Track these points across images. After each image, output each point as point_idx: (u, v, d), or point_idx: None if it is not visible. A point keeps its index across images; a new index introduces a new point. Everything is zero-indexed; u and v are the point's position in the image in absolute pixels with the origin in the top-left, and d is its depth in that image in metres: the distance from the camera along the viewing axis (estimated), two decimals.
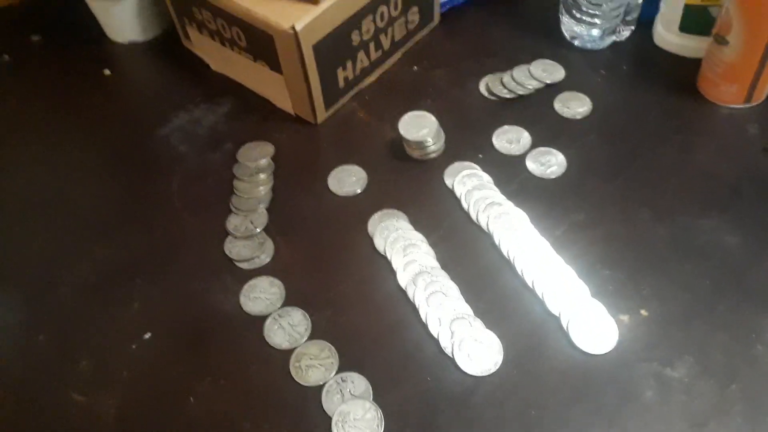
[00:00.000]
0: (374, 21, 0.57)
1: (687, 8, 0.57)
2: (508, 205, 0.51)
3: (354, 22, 0.55)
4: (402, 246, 0.49)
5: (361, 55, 0.58)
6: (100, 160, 0.58)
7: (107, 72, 0.65)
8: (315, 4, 0.51)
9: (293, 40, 0.51)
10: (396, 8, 0.59)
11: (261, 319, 0.46)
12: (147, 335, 0.46)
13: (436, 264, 0.48)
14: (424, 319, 0.45)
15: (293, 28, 0.50)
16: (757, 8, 0.49)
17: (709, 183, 0.51)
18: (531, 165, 0.54)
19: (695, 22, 0.57)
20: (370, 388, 0.43)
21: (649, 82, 0.58)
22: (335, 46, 0.55)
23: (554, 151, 0.54)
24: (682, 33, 0.59)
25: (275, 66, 0.56)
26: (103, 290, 0.49)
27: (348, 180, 0.54)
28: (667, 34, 0.60)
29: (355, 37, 0.56)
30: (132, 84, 0.65)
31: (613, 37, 0.61)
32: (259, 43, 0.54)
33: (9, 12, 0.72)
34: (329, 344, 0.45)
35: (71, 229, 0.53)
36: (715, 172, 0.51)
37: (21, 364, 0.46)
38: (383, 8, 0.57)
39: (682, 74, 0.58)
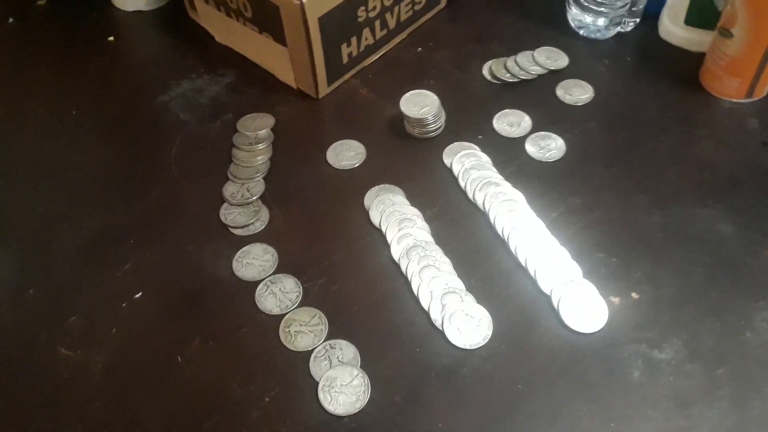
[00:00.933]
0: None
1: (693, 1, 0.57)
2: (506, 186, 0.51)
3: None
4: (397, 220, 0.49)
5: (366, 32, 0.58)
6: (101, 124, 0.58)
7: (111, 39, 0.65)
8: None
9: (299, 12, 0.51)
10: None
11: (253, 285, 0.46)
12: (138, 295, 0.46)
13: (431, 239, 0.48)
14: (415, 292, 0.45)
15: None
16: (763, 2, 0.49)
17: (707, 173, 0.51)
18: (530, 148, 0.54)
19: (701, 15, 0.57)
20: (359, 355, 0.43)
21: (651, 74, 0.58)
22: (341, 21, 0.55)
23: (554, 135, 0.54)
24: (687, 26, 0.59)
25: (280, 38, 0.56)
26: (96, 250, 0.49)
27: (346, 154, 0.54)
28: (673, 27, 0.60)
29: (361, 14, 0.56)
30: (135, 52, 0.65)
31: (618, 28, 0.61)
32: (266, 14, 0.54)
33: None
34: (319, 311, 0.45)
35: (69, 190, 0.53)
36: (713, 163, 0.52)
37: (10, 317, 0.46)
38: None
39: (685, 67, 0.58)
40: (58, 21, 0.68)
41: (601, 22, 0.61)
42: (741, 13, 0.51)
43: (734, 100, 0.56)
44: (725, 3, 0.52)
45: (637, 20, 0.62)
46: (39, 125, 0.58)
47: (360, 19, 0.56)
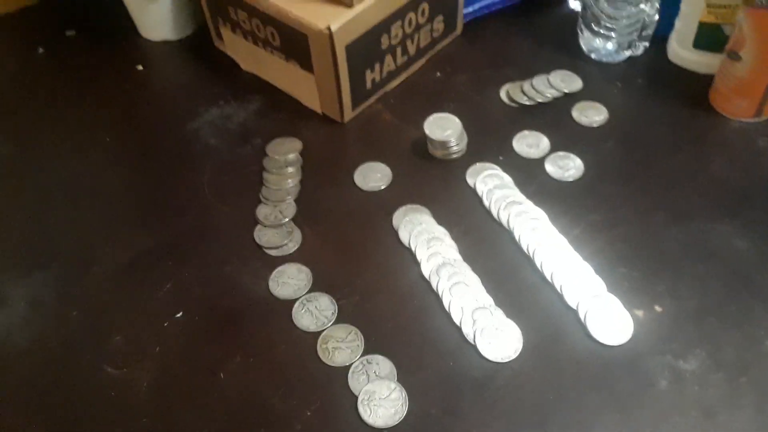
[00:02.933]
0: (402, 27, 0.60)
1: (701, 26, 0.59)
2: (528, 204, 0.53)
3: (384, 26, 0.57)
4: (426, 239, 0.51)
5: (388, 58, 0.61)
6: (134, 150, 0.60)
7: (140, 67, 0.68)
8: (349, 6, 0.54)
9: (328, 40, 0.53)
10: (423, 16, 0.61)
11: (289, 303, 0.48)
12: (179, 314, 0.48)
13: (459, 256, 0.50)
14: (447, 308, 0.47)
15: (329, 28, 0.53)
16: None
17: (721, 190, 0.53)
18: (550, 168, 0.56)
19: (709, 39, 0.60)
20: (395, 369, 0.44)
21: (663, 95, 0.61)
22: (366, 48, 0.57)
23: (572, 155, 0.56)
24: (695, 49, 0.61)
25: (307, 65, 0.58)
26: (135, 271, 0.51)
27: (373, 176, 0.56)
28: (681, 50, 0.62)
29: (384, 41, 0.59)
30: (164, 80, 0.67)
31: (629, 52, 0.64)
32: (293, 42, 0.57)
33: (45, 6, 0.75)
34: (355, 328, 0.46)
35: (105, 215, 0.55)
36: (726, 181, 0.54)
37: (55, 338, 0.47)
38: (411, 15, 0.60)
39: (695, 88, 0.61)
40: (88, 51, 0.70)
41: (611, 46, 0.63)
42: (749, 36, 0.53)
43: (743, 120, 0.58)
44: (733, 27, 0.55)
45: (647, 44, 0.64)
46: (74, 152, 0.60)
47: (383, 46, 0.59)
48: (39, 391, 0.45)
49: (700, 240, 0.50)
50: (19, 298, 0.49)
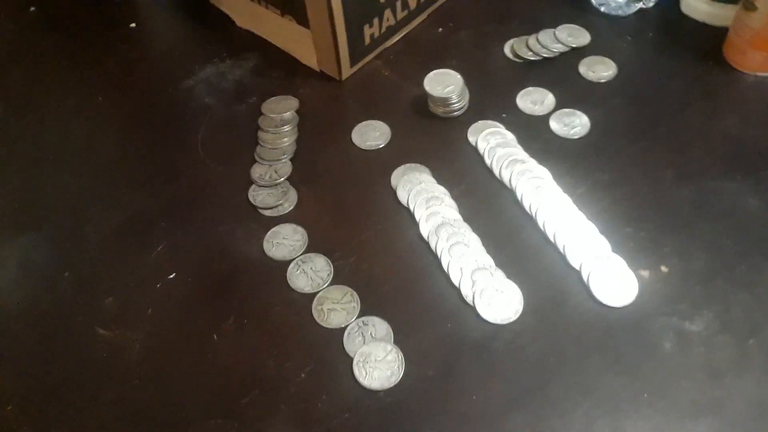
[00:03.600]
0: None
1: None
2: (531, 163, 0.51)
3: None
4: (425, 198, 0.49)
5: (387, 12, 0.58)
6: (127, 110, 0.58)
7: (133, 25, 0.66)
8: None
9: None
10: None
11: (284, 264, 0.47)
12: (171, 276, 0.47)
13: (459, 216, 0.48)
14: (445, 269, 0.46)
15: None
16: None
17: (734, 147, 0.51)
18: (554, 125, 0.54)
19: None
20: (391, 332, 0.43)
21: (674, 49, 0.58)
22: (364, 2, 0.55)
23: (578, 112, 0.54)
24: (710, 0, 0.58)
25: (302, 20, 0.56)
26: (128, 232, 0.50)
27: (371, 134, 0.54)
28: (695, 2, 0.60)
29: None
30: (158, 37, 0.65)
31: (640, 4, 0.61)
32: None
33: None
34: (351, 289, 0.45)
35: (99, 175, 0.54)
36: (739, 137, 0.52)
37: (47, 299, 0.46)
38: None
39: (709, 42, 0.58)
40: (80, 8, 0.68)
41: None
42: None
43: (759, 74, 0.55)
44: None
45: None
46: (66, 112, 0.59)
47: (382, 0, 0.57)
48: (30, 353, 0.44)
49: (710, 199, 0.48)
50: (11, 260, 0.49)
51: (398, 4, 0.59)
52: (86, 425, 0.41)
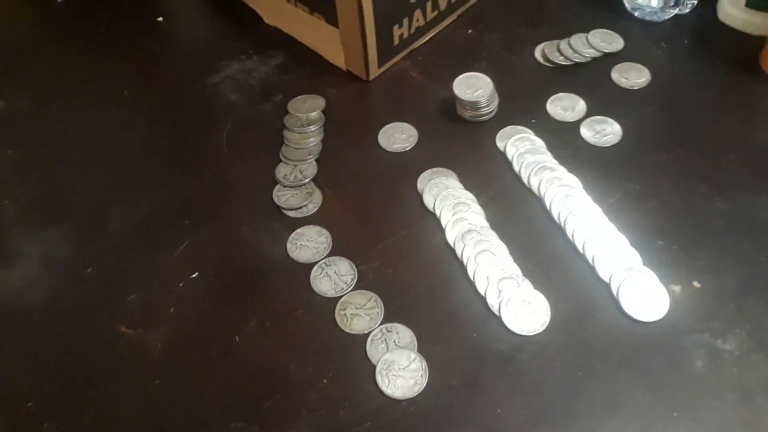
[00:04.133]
0: None
1: None
2: (561, 170, 0.50)
3: None
4: (451, 204, 0.48)
5: (417, 13, 0.57)
6: (153, 104, 0.58)
7: (160, 19, 0.65)
8: None
9: None
10: None
11: (307, 267, 0.46)
12: (194, 275, 0.47)
13: (486, 223, 0.48)
14: (471, 277, 0.45)
15: None
16: None
17: None
18: (585, 132, 0.53)
19: None
20: (415, 339, 0.42)
21: (710, 57, 0.57)
22: (393, 2, 0.54)
23: (610, 120, 0.53)
24: (748, 8, 0.57)
25: (332, 19, 0.55)
26: (152, 230, 0.49)
27: (398, 137, 0.54)
28: (733, 9, 0.58)
29: None
30: (184, 32, 0.65)
31: (676, 10, 0.60)
32: None
33: None
34: (375, 295, 0.44)
35: (122, 170, 0.53)
36: None
37: (70, 295, 0.46)
38: None
39: (746, 51, 0.57)
40: (107, 1, 0.68)
41: (656, 2, 0.59)
42: None
43: None
44: None
45: (695, 2, 0.60)
46: (92, 106, 0.59)
47: (412, 0, 0.56)
48: (52, 349, 0.44)
49: (745, 213, 0.47)
50: (34, 255, 0.48)
51: (428, 5, 0.58)
52: (107, 424, 0.40)
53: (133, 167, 0.54)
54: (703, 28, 0.59)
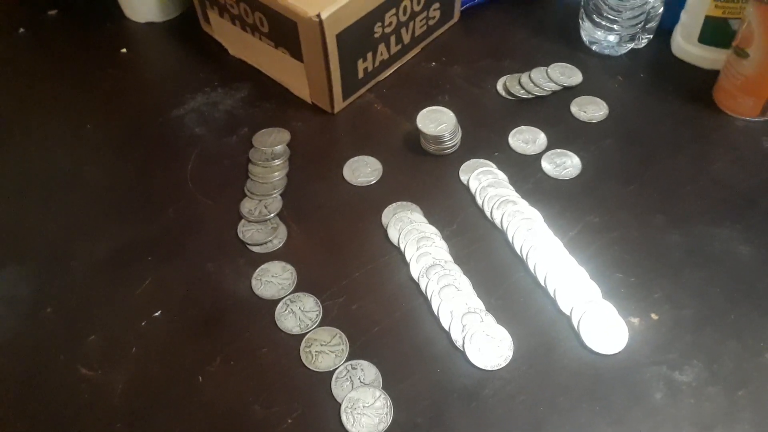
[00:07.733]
0: (397, 14, 0.57)
1: (708, 20, 0.57)
2: (523, 204, 0.51)
3: (378, 14, 0.55)
4: (416, 238, 0.49)
5: (381, 47, 0.58)
6: (116, 138, 0.58)
7: (124, 50, 0.65)
8: None
9: (318, 28, 0.51)
10: (419, 3, 0.59)
11: (272, 303, 0.46)
12: (157, 313, 0.46)
13: (449, 257, 0.48)
14: (435, 312, 0.45)
15: (318, 16, 0.50)
16: None
17: (724, 192, 0.51)
18: (546, 165, 0.54)
19: (715, 34, 0.58)
20: (380, 376, 0.43)
21: (665, 91, 0.59)
22: (358, 37, 0.55)
23: (570, 153, 0.54)
24: (700, 44, 0.59)
25: (296, 53, 0.56)
26: (114, 267, 0.49)
27: (363, 170, 0.54)
28: (686, 45, 0.60)
29: (378, 29, 0.56)
30: (149, 64, 0.65)
31: (632, 45, 0.61)
32: (282, 29, 0.54)
33: None
34: (340, 331, 0.45)
35: (86, 206, 0.53)
36: (729, 183, 0.52)
37: (29, 336, 0.45)
38: (406, 2, 0.57)
39: (699, 85, 0.59)
40: (70, 32, 0.67)
41: (613, 38, 0.61)
42: (758, 33, 0.51)
43: (749, 119, 0.56)
44: (741, 23, 0.53)
45: (651, 37, 0.62)
46: (54, 139, 0.58)
47: (376, 35, 0.57)
48: (12, 392, 0.43)
49: (700, 245, 0.48)
50: None
51: (392, 39, 0.59)
52: None
53: (95, 203, 0.53)
54: (658, 62, 0.61)
